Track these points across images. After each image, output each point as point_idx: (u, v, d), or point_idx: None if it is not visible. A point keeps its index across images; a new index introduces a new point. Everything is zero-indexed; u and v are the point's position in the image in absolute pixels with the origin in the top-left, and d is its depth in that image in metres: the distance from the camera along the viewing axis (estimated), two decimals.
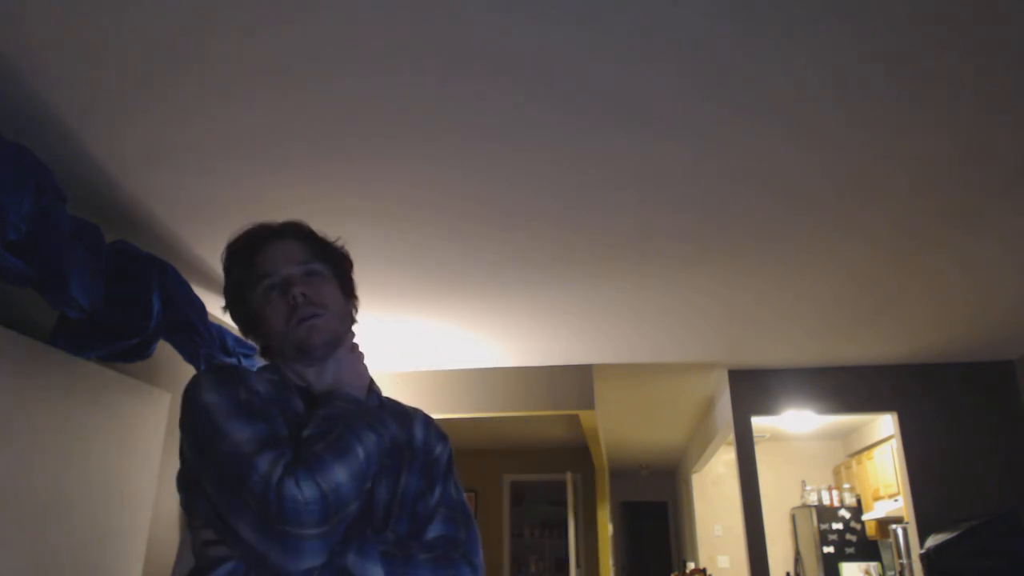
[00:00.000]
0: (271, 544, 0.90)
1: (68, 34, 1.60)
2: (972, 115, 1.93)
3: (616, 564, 8.74)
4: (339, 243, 1.23)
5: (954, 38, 1.63)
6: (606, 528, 7.27)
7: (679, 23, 1.58)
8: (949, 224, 2.58)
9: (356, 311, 1.22)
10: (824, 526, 6.32)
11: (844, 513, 6.36)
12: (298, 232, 1.19)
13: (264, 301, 1.12)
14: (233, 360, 2.89)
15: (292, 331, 1.09)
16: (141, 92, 1.81)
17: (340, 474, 0.94)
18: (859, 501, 6.38)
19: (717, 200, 2.40)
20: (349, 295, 1.20)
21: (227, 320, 3.63)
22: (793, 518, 7.01)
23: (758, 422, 4.83)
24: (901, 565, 5.39)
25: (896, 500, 5.40)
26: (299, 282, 1.11)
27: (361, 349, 1.18)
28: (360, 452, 0.98)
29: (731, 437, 4.76)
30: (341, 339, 1.14)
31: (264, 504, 0.90)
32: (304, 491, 0.91)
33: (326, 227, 2.78)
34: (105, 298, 2.17)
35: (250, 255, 1.15)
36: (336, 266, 1.19)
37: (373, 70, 1.74)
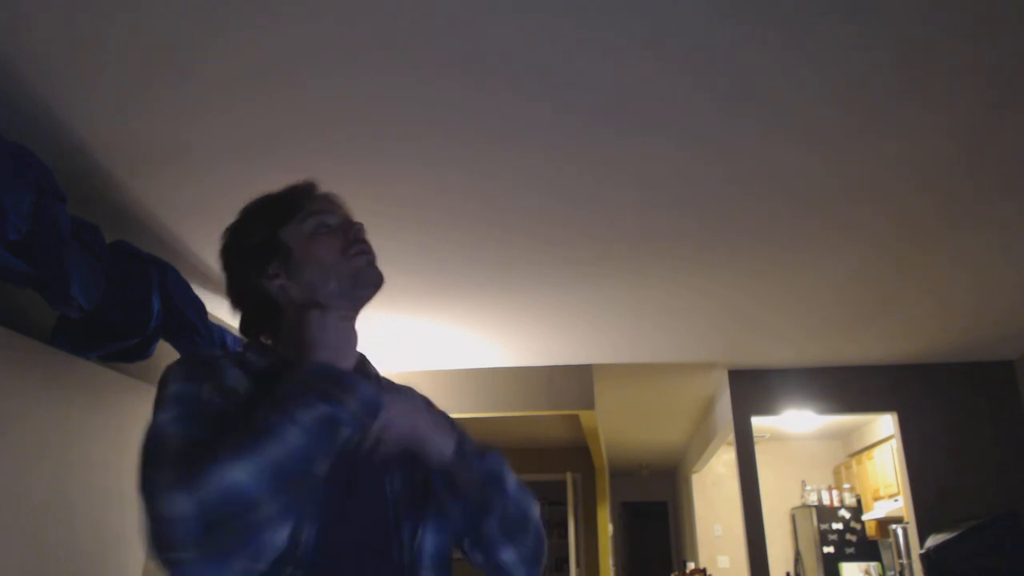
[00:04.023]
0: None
1: (68, 34, 1.60)
2: (973, 116, 1.93)
3: (616, 564, 8.73)
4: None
5: (955, 39, 1.64)
6: (606, 528, 7.27)
7: (680, 23, 1.58)
8: (949, 224, 2.58)
9: None
10: (824, 526, 6.32)
11: (844, 513, 6.36)
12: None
13: (312, 236, 1.03)
14: None
15: (350, 260, 1.01)
16: (141, 92, 1.81)
17: (231, 476, 0.76)
18: (859, 501, 6.38)
19: (717, 200, 2.40)
20: None
21: (227, 320, 3.63)
22: (793, 518, 7.01)
23: (758, 422, 4.83)
24: (901, 565, 5.39)
25: (896, 500, 5.40)
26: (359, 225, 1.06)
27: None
28: (291, 434, 0.81)
29: (731, 437, 4.76)
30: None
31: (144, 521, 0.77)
32: (173, 506, 0.74)
33: None
34: (105, 298, 2.17)
35: (299, 197, 1.07)
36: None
37: (372, 71, 1.74)
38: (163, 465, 0.80)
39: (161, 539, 0.75)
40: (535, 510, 1.10)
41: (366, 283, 1.03)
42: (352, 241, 1.03)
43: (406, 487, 1.01)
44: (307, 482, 0.82)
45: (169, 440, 0.83)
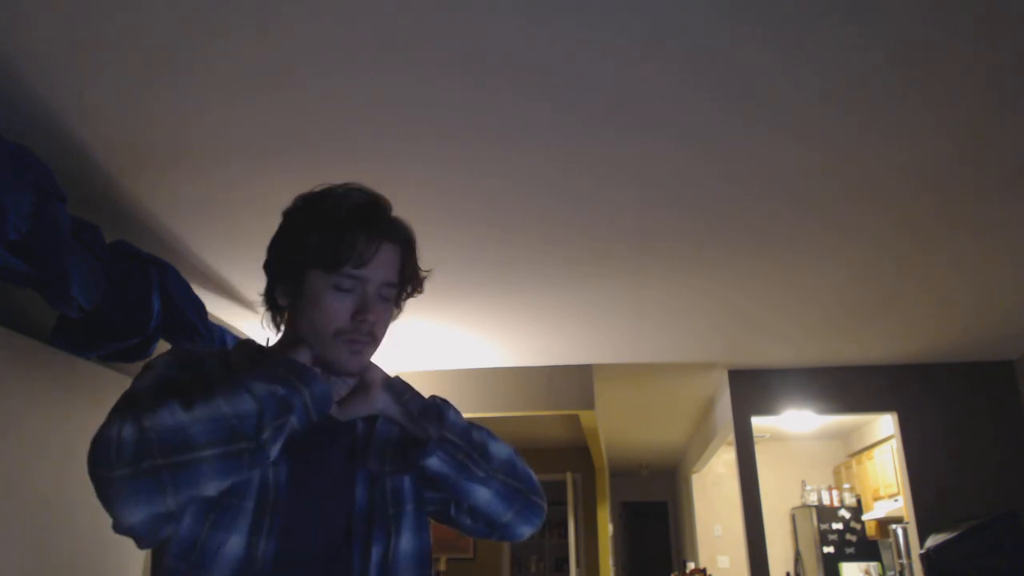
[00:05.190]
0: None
1: (68, 34, 1.60)
2: (973, 116, 1.93)
3: (616, 564, 8.74)
4: (424, 272, 1.10)
5: (955, 39, 1.63)
6: (606, 528, 7.27)
7: (679, 23, 1.58)
8: (950, 224, 2.58)
9: None
10: (824, 526, 6.32)
11: (844, 513, 6.36)
12: (404, 239, 1.05)
13: (325, 291, 0.98)
14: None
15: (334, 344, 0.98)
16: (141, 92, 1.81)
17: (179, 416, 0.83)
18: (859, 501, 6.38)
19: (718, 200, 2.40)
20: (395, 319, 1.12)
21: (227, 320, 3.62)
22: (793, 518, 7.01)
23: (758, 422, 4.83)
24: (901, 565, 5.39)
25: (896, 500, 5.40)
26: (374, 303, 1.00)
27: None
28: (242, 399, 0.86)
29: (731, 437, 4.76)
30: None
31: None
32: (116, 429, 0.81)
33: None
34: (105, 298, 2.17)
35: (346, 234, 0.98)
36: (408, 292, 1.09)
37: (372, 71, 1.74)
38: (121, 404, 0.90)
39: (99, 456, 0.81)
40: (509, 452, 1.10)
41: (336, 371, 1.01)
42: (352, 328, 0.99)
43: (374, 494, 1.02)
44: (251, 447, 0.86)
45: (134, 391, 0.92)
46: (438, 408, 1.04)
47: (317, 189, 1.05)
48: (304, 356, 0.97)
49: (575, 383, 4.58)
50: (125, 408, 0.85)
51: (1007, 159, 2.15)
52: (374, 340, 1.02)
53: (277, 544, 0.91)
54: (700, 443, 6.69)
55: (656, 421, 6.50)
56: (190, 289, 2.58)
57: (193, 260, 2.82)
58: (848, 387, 4.58)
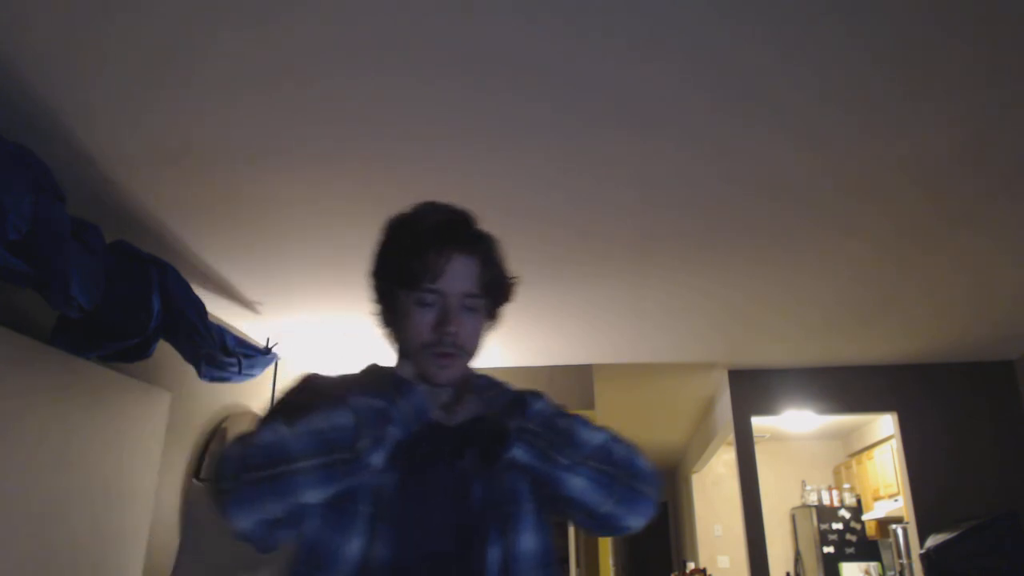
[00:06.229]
0: None
1: (68, 34, 1.60)
2: (973, 115, 1.93)
3: (616, 564, 8.73)
4: (512, 277, 1.12)
5: (955, 39, 1.63)
6: None
7: (679, 23, 1.58)
8: (950, 224, 2.58)
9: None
10: (824, 526, 6.32)
11: (844, 513, 6.36)
12: (482, 250, 1.08)
13: (411, 307, 1.03)
14: (233, 360, 2.89)
15: (423, 356, 1.03)
16: (141, 92, 1.81)
17: (280, 433, 0.92)
18: (859, 501, 6.38)
19: (717, 200, 2.40)
20: (491, 328, 1.14)
21: (227, 320, 3.62)
22: (793, 518, 7.01)
23: (758, 422, 4.82)
24: (901, 565, 5.39)
25: (896, 500, 5.40)
26: (456, 315, 1.03)
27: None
28: (340, 414, 0.94)
29: (731, 437, 4.76)
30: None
31: None
32: (230, 449, 0.94)
33: (327, 227, 2.78)
34: (105, 298, 2.17)
35: (419, 251, 1.02)
36: (496, 301, 1.10)
37: (372, 70, 1.74)
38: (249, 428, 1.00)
39: (213, 471, 0.94)
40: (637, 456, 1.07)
41: (427, 381, 1.04)
42: (435, 340, 1.02)
43: (490, 495, 1.02)
44: (347, 457, 0.92)
45: (262, 418, 1.02)
46: (523, 400, 1.05)
47: (398, 212, 1.10)
48: (405, 370, 1.05)
49: (575, 383, 4.58)
50: (243, 432, 0.96)
51: (1007, 159, 2.15)
52: (462, 351, 1.04)
53: (393, 547, 0.96)
54: (700, 443, 6.68)
55: (656, 421, 6.50)
56: (190, 289, 2.58)
57: (193, 260, 2.82)
58: (848, 387, 4.58)
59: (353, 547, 0.96)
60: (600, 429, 1.06)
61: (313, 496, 0.92)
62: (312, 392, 1.05)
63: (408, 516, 0.99)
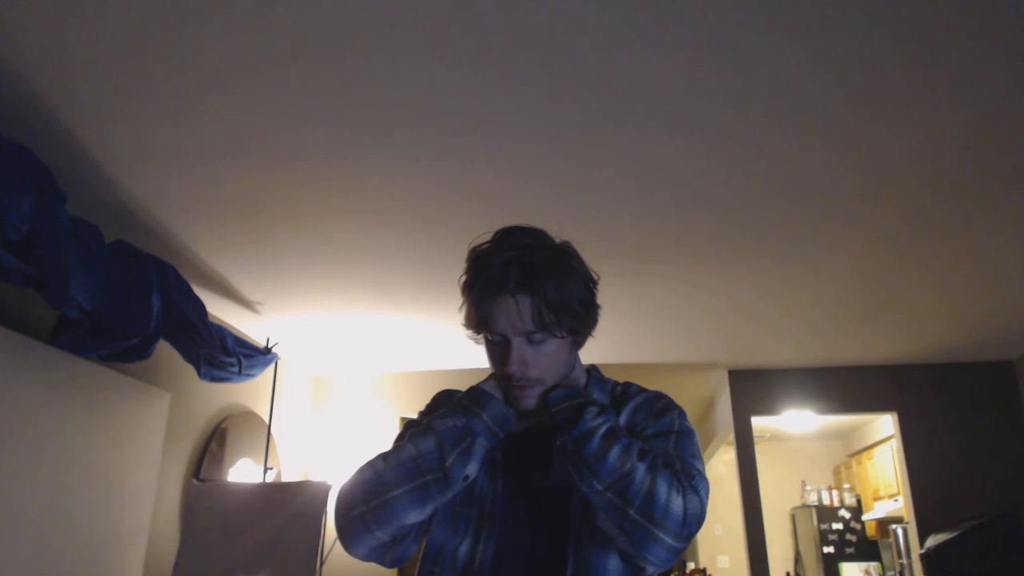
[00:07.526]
0: None
1: (68, 34, 1.60)
2: (981, 110, 1.92)
3: None
4: (583, 298, 1.13)
5: (967, 34, 1.63)
6: None
7: (694, 18, 1.57)
8: (955, 218, 2.56)
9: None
10: (824, 526, 6.32)
11: (844, 513, 6.36)
12: (536, 289, 1.03)
13: (486, 343, 1.11)
14: (233, 360, 2.89)
15: (504, 385, 1.10)
16: (140, 92, 1.81)
17: (377, 468, 1.04)
18: (859, 501, 6.38)
19: (719, 198, 2.39)
20: (580, 344, 1.17)
21: (227, 320, 3.61)
22: (793, 518, 7.01)
23: (758, 422, 4.82)
24: (901, 565, 5.39)
25: (896, 500, 5.40)
26: (519, 355, 1.05)
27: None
28: (425, 441, 1.04)
29: (731, 437, 4.75)
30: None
31: None
32: (340, 490, 1.07)
33: (326, 226, 2.76)
34: (105, 298, 2.17)
35: (478, 301, 1.06)
36: (569, 326, 1.08)
37: (373, 66, 1.74)
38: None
39: (334, 510, 1.07)
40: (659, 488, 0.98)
41: (514, 406, 1.10)
42: (507, 375, 1.07)
43: (583, 504, 1.04)
44: (437, 476, 1.02)
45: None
46: (577, 416, 1.02)
47: (476, 243, 1.13)
48: (488, 384, 1.12)
49: None
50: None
51: (1016, 155, 2.13)
52: (537, 382, 1.08)
53: (495, 548, 1.07)
54: (700, 443, 6.67)
55: None
56: (190, 289, 2.58)
57: (193, 260, 2.82)
58: (848, 387, 4.58)
59: (464, 547, 1.08)
60: (640, 458, 0.97)
61: (414, 516, 1.03)
62: (433, 407, 1.20)
63: (506, 519, 1.09)
